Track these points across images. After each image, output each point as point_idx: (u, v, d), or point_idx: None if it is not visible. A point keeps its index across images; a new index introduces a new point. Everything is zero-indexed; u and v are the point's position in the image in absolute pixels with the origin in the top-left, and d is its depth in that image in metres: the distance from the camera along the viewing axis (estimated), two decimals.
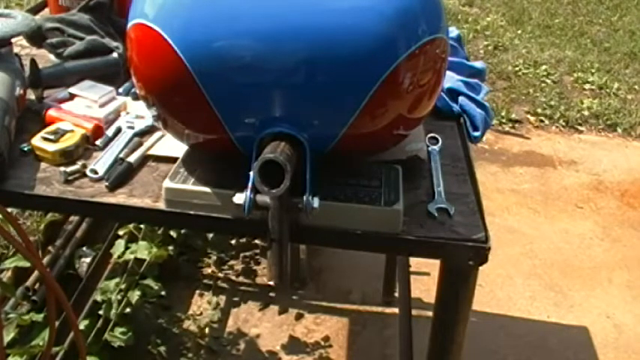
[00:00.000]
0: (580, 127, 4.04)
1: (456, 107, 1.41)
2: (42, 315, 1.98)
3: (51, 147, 1.18)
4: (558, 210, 3.23)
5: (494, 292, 2.66)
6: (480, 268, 1.05)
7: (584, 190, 3.40)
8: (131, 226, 2.32)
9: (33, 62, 1.37)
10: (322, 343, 2.39)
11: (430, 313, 1.15)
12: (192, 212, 1.07)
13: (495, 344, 2.41)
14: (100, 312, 2.12)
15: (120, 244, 2.28)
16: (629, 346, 2.46)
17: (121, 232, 2.32)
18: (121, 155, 1.20)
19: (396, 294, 2.48)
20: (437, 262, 1.09)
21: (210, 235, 2.78)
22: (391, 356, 2.31)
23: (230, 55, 0.95)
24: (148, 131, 1.28)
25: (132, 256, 2.24)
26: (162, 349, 2.25)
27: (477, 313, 2.43)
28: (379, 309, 2.56)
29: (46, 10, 1.80)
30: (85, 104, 1.34)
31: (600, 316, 2.59)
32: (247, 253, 2.79)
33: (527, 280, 2.76)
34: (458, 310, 1.10)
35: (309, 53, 0.93)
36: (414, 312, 2.05)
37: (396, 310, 2.39)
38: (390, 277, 2.52)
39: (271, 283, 1.00)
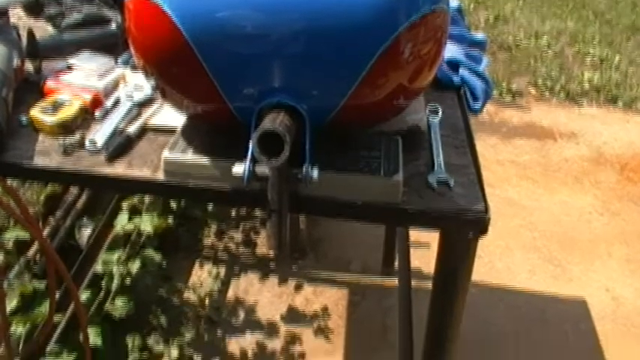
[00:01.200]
0: (580, 100, 4.03)
1: (456, 78, 1.41)
2: (44, 283, 1.99)
3: (49, 118, 1.18)
4: (558, 182, 3.23)
5: (493, 263, 2.67)
6: (480, 239, 1.05)
7: (584, 163, 3.40)
8: (135, 199, 2.33)
9: (30, 33, 1.36)
10: (321, 313, 2.41)
11: (429, 284, 1.15)
12: (191, 183, 1.07)
13: (494, 316, 2.43)
14: (101, 283, 2.13)
15: (123, 217, 2.29)
16: (627, 318, 2.47)
17: (124, 205, 2.33)
18: (120, 126, 1.20)
19: (396, 265, 2.49)
20: (436, 233, 1.09)
21: (210, 206, 2.78)
22: (390, 326, 2.33)
23: (229, 25, 0.94)
24: (147, 102, 1.28)
25: (133, 228, 2.25)
26: (162, 319, 2.26)
27: (476, 285, 2.44)
28: (378, 279, 2.57)
29: None
30: (83, 75, 1.34)
31: (599, 289, 2.60)
32: (247, 224, 2.80)
33: (526, 252, 2.77)
34: (457, 281, 1.11)
35: (308, 23, 0.92)
36: (413, 283, 2.06)
37: (395, 280, 2.40)
38: (390, 247, 2.53)
39: (271, 253, 1.01)
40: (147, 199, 2.33)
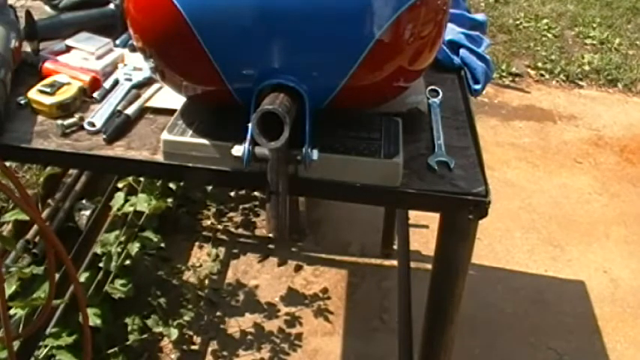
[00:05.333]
0: (580, 82, 4.01)
1: (456, 60, 1.40)
2: (42, 267, 2.00)
3: (48, 100, 1.17)
4: (557, 164, 3.23)
5: (492, 245, 2.67)
6: (479, 221, 1.05)
7: (583, 145, 3.40)
8: (130, 178, 2.32)
9: (28, 14, 1.35)
10: (321, 294, 2.41)
11: (428, 266, 1.15)
12: (190, 164, 1.07)
13: (493, 297, 2.43)
14: (100, 264, 2.13)
15: (119, 197, 2.28)
16: (624, 300, 2.48)
17: (120, 185, 2.32)
18: (119, 108, 1.19)
19: (395, 246, 2.49)
20: (436, 215, 1.09)
21: (210, 187, 2.78)
22: (389, 308, 2.34)
23: (228, 4, 0.93)
24: (146, 83, 1.27)
25: (131, 209, 2.25)
26: (162, 300, 2.27)
27: (476, 267, 2.44)
28: (378, 261, 2.57)
29: None
30: (81, 56, 1.33)
31: (597, 270, 2.60)
32: (246, 205, 2.80)
33: (525, 234, 2.77)
34: (457, 263, 1.11)
35: (308, 3, 0.92)
36: (412, 264, 2.06)
37: (394, 262, 2.41)
38: (389, 229, 2.54)
39: (270, 235, 1.01)
40: (142, 179, 2.32)
